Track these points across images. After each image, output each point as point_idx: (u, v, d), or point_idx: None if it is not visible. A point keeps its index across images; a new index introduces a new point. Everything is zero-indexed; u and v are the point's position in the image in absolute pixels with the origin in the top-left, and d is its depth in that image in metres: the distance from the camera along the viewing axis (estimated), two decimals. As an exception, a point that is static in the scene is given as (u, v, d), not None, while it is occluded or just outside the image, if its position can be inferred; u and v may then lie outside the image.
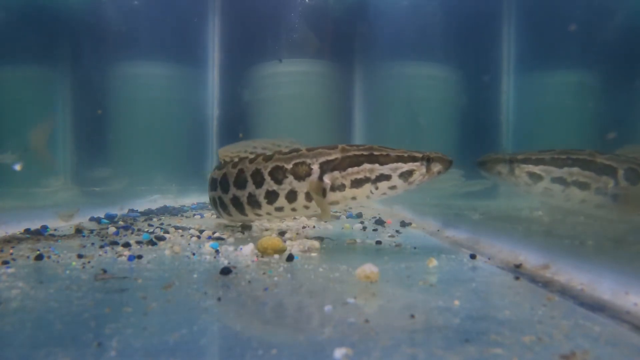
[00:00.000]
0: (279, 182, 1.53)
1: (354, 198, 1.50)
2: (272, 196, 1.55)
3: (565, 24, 3.29)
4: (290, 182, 1.52)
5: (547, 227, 1.88)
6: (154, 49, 3.88)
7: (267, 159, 1.58)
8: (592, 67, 3.29)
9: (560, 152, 1.98)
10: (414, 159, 1.44)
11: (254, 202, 1.60)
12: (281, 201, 1.54)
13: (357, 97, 4.14)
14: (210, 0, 4.21)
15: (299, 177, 1.50)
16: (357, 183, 1.46)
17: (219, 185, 1.71)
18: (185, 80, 4.05)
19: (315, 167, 1.48)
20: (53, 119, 3.42)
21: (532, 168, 1.98)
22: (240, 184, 1.62)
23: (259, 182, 1.56)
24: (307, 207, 1.55)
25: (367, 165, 1.45)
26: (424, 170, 1.43)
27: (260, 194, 1.56)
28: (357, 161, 1.46)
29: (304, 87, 3.90)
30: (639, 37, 2.90)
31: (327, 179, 1.47)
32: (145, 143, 3.78)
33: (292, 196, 1.53)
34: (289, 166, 1.52)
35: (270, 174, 1.54)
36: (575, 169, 1.88)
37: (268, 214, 1.62)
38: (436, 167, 1.44)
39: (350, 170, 1.46)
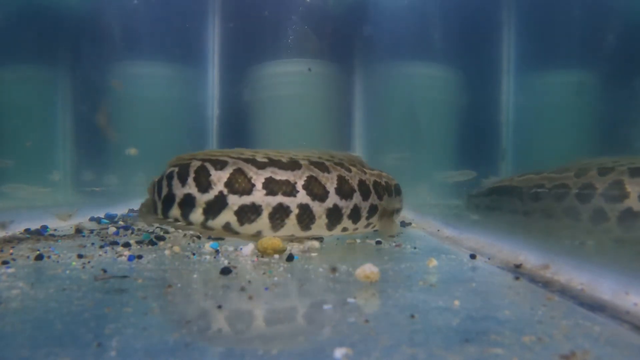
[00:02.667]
0: (367, 198, 1.46)
1: None
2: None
3: (565, 24, 3.29)
4: (373, 199, 1.49)
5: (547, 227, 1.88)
6: (154, 49, 3.88)
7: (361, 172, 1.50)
8: (592, 67, 3.29)
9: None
10: None
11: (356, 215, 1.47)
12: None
13: (357, 97, 4.14)
14: (210, 0, 4.21)
15: (381, 196, 1.52)
16: None
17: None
18: (185, 80, 4.05)
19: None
20: (109, 104, 3.53)
21: None
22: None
23: (366, 194, 1.46)
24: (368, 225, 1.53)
25: None
26: None
27: (365, 207, 1.48)
28: None
29: (304, 87, 3.90)
30: (639, 37, 2.90)
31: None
32: (145, 143, 3.78)
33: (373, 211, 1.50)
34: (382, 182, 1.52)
35: (374, 187, 1.49)
36: None
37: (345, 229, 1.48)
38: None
39: None
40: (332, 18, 4.05)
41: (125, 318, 0.73)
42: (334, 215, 1.38)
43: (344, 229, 1.45)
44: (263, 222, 1.30)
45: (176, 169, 1.38)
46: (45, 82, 3.46)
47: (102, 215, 2.30)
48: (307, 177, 1.34)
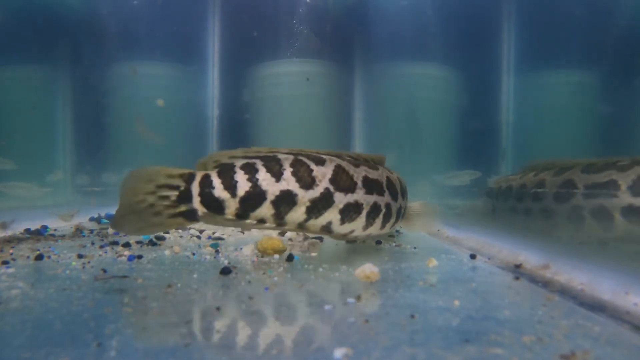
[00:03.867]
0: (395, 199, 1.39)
1: None
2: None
3: (565, 24, 3.29)
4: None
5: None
6: (154, 49, 3.88)
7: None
8: (592, 67, 3.29)
9: None
10: None
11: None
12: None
13: (357, 97, 4.14)
14: (210, 0, 4.21)
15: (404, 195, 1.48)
16: None
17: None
18: (185, 80, 4.05)
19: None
20: (142, 117, 3.58)
21: None
22: None
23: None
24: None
25: None
26: None
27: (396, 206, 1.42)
28: None
29: (304, 87, 3.90)
30: (639, 37, 2.90)
31: None
32: (145, 143, 3.78)
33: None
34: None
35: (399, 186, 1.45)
36: None
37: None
38: None
39: None
40: (332, 18, 4.05)
41: (125, 318, 0.73)
42: (387, 215, 1.35)
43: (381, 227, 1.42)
44: (360, 221, 1.24)
45: (260, 162, 1.17)
46: (45, 82, 3.46)
47: (102, 215, 2.30)
48: (386, 177, 1.34)
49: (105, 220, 2.14)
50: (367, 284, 0.97)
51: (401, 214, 1.44)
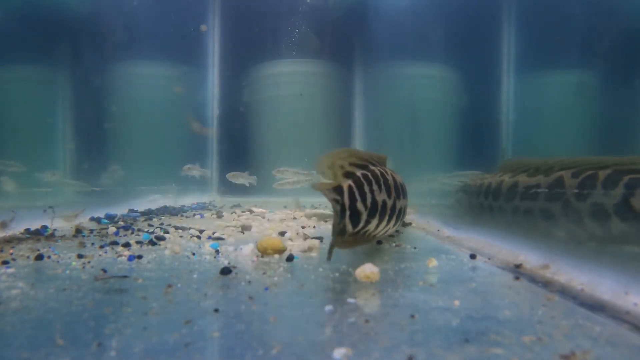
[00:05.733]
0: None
1: None
2: None
3: (565, 24, 3.29)
4: None
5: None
6: (154, 49, 3.88)
7: None
8: (591, 67, 3.29)
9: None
10: None
11: None
12: None
13: (357, 97, 4.14)
14: (210, 0, 4.22)
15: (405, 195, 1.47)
16: None
17: None
18: (185, 80, 4.05)
19: None
20: (191, 115, 3.63)
21: None
22: None
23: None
24: None
25: None
26: None
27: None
28: None
29: (304, 87, 3.90)
30: (639, 37, 2.90)
31: None
32: (145, 143, 3.78)
33: None
34: None
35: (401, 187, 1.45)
36: None
37: None
38: None
39: None
40: (332, 18, 4.05)
41: (125, 318, 0.73)
42: (398, 215, 1.39)
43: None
44: (391, 222, 1.27)
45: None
46: (45, 82, 3.46)
47: (102, 215, 2.30)
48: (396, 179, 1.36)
49: (105, 220, 2.14)
50: (367, 284, 0.97)
51: (403, 213, 1.46)
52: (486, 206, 1.90)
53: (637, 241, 1.19)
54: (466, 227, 1.82)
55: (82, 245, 1.43)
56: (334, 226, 1.02)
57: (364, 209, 1.06)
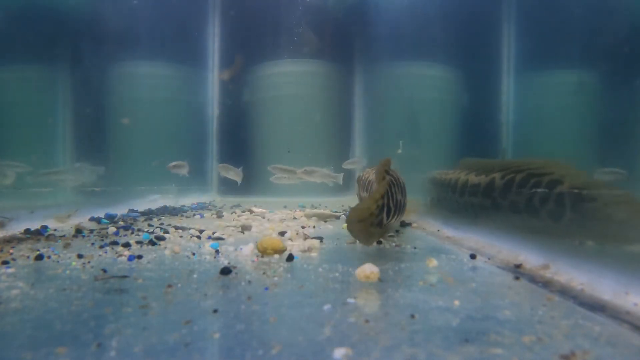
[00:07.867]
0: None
1: None
2: None
3: (565, 24, 3.29)
4: None
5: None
6: (154, 49, 3.88)
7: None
8: (591, 67, 3.29)
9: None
10: None
11: None
12: None
13: (357, 97, 4.14)
14: (210, 0, 4.22)
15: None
16: None
17: None
18: (185, 80, 4.05)
19: None
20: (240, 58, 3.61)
21: None
22: None
23: None
24: None
25: None
26: None
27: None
28: None
29: (304, 87, 3.90)
30: (639, 37, 2.90)
31: None
32: (145, 143, 3.78)
33: None
34: None
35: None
36: None
37: None
38: None
39: None
40: (332, 18, 4.05)
41: (125, 318, 0.73)
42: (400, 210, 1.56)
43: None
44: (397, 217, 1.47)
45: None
46: (45, 82, 3.46)
47: (102, 215, 2.30)
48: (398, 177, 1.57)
49: (105, 220, 2.14)
50: (367, 284, 0.97)
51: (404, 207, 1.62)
52: (448, 198, 2.18)
53: (542, 232, 1.40)
54: (466, 227, 1.82)
55: (82, 244, 1.42)
56: (371, 215, 1.23)
57: (392, 206, 1.33)
